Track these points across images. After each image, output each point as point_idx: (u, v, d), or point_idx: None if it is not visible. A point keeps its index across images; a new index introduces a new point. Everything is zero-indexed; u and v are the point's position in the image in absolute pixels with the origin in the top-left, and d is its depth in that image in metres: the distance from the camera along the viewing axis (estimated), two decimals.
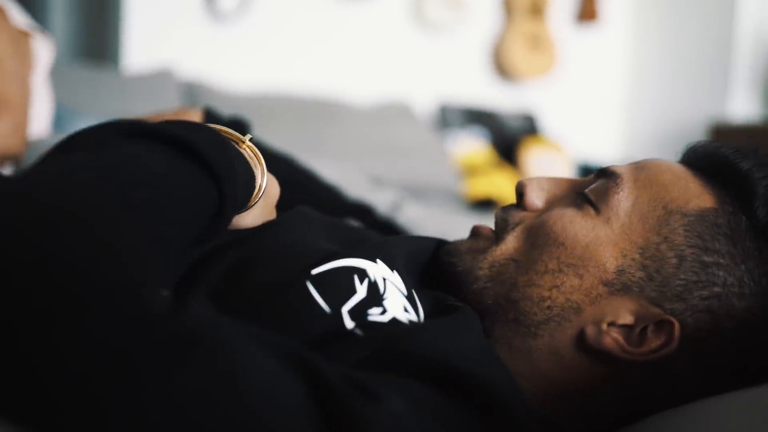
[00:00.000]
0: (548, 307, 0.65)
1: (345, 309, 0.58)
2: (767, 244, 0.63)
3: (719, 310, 0.62)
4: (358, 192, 1.18)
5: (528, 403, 0.61)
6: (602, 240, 0.65)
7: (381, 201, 1.28)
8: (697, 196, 0.66)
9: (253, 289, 0.59)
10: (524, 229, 0.69)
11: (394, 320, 0.59)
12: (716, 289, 0.62)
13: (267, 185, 0.65)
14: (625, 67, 3.85)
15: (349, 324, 0.57)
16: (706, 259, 0.63)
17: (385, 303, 0.61)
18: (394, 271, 0.65)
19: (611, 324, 0.63)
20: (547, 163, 2.94)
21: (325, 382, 0.43)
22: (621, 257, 0.65)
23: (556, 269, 0.65)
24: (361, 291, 0.60)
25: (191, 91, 2.39)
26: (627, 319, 0.63)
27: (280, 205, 0.72)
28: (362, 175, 1.45)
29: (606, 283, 0.64)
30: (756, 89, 3.41)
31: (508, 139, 3.11)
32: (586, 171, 3.06)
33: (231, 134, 0.63)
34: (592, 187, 0.69)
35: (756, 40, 3.39)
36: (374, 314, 0.59)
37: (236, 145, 0.62)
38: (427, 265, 0.75)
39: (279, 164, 0.97)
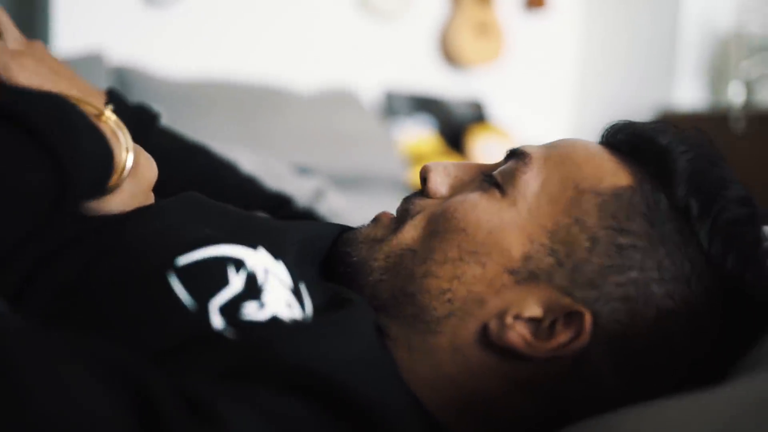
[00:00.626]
0: (448, 300, 0.59)
1: (214, 304, 0.50)
2: (688, 225, 0.58)
3: (637, 298, 0.56)
4: (280, 181, 1.10)
5: (419, 416, 0.55)
6: (507, 224, 0.60)
7: (304, 190, 1.21)
8: (611, 173, 0.61)
9: (110, 283, 0.51)
10: (424, 217, 0.64)
11: (274, 318, 0.52)
12: (633, 274, 0.57)
13: (139, 165, 0.57)
14: (574, 54, 3.84)
15: (218, 323, 0.49)
16: (622, 241, 0.58)
17: (264, 297, 0.53)
18: (279, 260, 0.57)
19: (517, 317, 0.57)
20: (495, 150, 2.91)
21: (153, 403, 0.36)
22: (528, 242, 0.59)
23: (456, 258, 0.60)
24: (236, 283, 0.52)
25: (122, 76, 2.28)
26: (534, 311, 0.57)
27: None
28: (286, 163, 1.37)
29: (511, 272, 0.59)
30: (702, 77, 3.43)
31: (456, 126, 3.07)
32: None
33: (87, 104, 0.55)
34: (500, 169, 0.64)
35: (701, 29, 3.41)
36: (250, 311, 0.51)
37: (92, 119, 0.53)
38: (329, 253, 0.68)
39: (192, 155, 0.90)
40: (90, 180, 0.51)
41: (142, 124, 0.83)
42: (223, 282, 0.52)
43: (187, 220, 0.60)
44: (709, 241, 0.58)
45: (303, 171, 1.33)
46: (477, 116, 3.20)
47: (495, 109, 3.37)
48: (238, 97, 2.44)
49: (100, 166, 0.52)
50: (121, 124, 0.56)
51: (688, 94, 3.36)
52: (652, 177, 0.60)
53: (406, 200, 0.68)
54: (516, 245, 0.59)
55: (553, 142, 0.66)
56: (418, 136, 2.91)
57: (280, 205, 0.97)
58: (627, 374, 0.57)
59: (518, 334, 0.57)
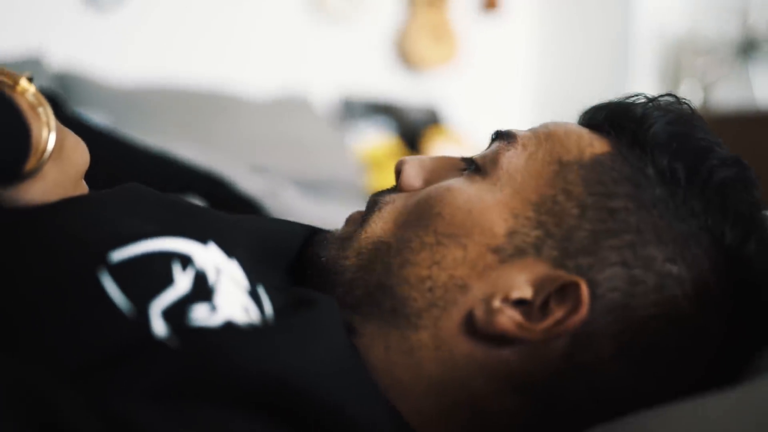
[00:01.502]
0: (429, 289, 0.54)
1: (155, 308, 0.42)
2: (678, 190, 0.53)
3: (635, 262, 0.51)
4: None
5: (394, 425, 0.50)
6: (488, 203, 0.56)
7: (256, 187, 1.13)
8: (591, 144, 0.58)
9: (27, 286, 0.43)
10: (395, 208, 0.60)
11: (228, 324, 0.44)
12: (628, 236, 0.52)
13: (64, 147, 0.48)
14: (529, 57, 3.86)
15: (160, 329, 0.42)
16: (612, 204, 0.54)
17: (216, 299, 0.45)
18: (233, 259, 0.49)
19: (505, 300, 0.52)
20: (453, 154, 2.87)
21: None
22: (512, 218, 0.55)
23: (433, 242, 0.56)
24: (182, 282, 0.44)
25: (64, 81, 2.18)
26: (523, 291, 0.52)
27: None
28: (240, 162, 1.30)
29: (495, 250, 0.54)
30: (656, 78, 3.46)
31: (412, 130, 3.04)
32: None
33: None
34: (481, 152, 0.62)
35: (654, 30, 3.44)
36: (200, 315, 0.44)
37: (4, 89, 0.44)
38: (299, 256, 0.62)
39: (95, 137, 0.79)
40: (1, 162, 0.43)
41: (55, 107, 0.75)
42: (167, 281, 0.44)
43: (125, 212, 0.52)
44: (704, 209, 0.53)
45: (259, 170, 1.26)
46: (433, 119, 3.17)
47: (452, 112, 3.34)
48: (186, 103, 2.36)
49: (14, 146, 0.44)
50: (42, 98, 0.46)
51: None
52: (632, 143, 0.57)
53: (376, 194, 0.63)
54: (499, 222, 0.55)
55: (538, 125, 0.63)
56: (375, 140, 2.87)
57: (209, 186, 0.89)
58: (633, 358, 0.52)
59: (508, 317, 0.51)
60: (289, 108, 2.63)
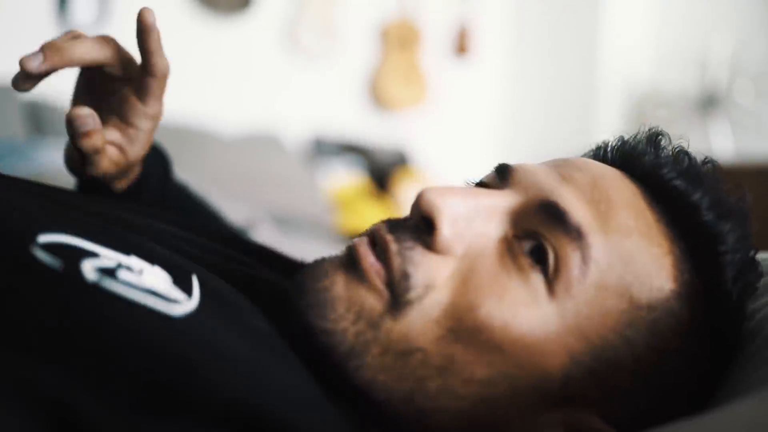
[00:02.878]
0: (469, 425, 0.48)
1: (85, 264, 0.41)
2: (721, 329, 0.53)
3: (659, 412, 0.50)
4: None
5: None
6: (551, 340, 0.48)
7: (238, 215, 1.14)
8: (659, 269, 0.51)
9: None
10: (440, 305, 0.49)
11: (151, 291, 0.43)
12: (664, 393, 0.51)
13: None
14: (498, 102, 3.91)
15: (91, 275, 0.41)
16: (664, 363, 0.50)
17: (141, 273, 0.44)
18: (155, 266, 0.47)
19: None
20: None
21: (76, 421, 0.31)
22: (569, 361, 0.48)
23: (485, 379, 0.48)
24: (108, 261, 0.44)
25: (35, 111, 2.17)
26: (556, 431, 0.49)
27: None
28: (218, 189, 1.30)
29: (544, 397, 0.49)
30: (619, 130, 3.51)
31: (382, 170, 3.05)
32: None
33: None
34: (547, 245, 0.50)
35: (618, 84, 3.54)
36: (126, 275, 0.43)
37: None
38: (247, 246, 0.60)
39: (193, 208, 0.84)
40: None
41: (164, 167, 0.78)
42: (93, 254, 0.44)
43: (32, 202, 0.52)
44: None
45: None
46: (403, 160, 3.19)
47: (420, 154, 3.37)
48: (157, 136, 2.33)
49: None
50: None
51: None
52: (692, 257, 0.52)
53: (401, 244, 0.51)
54: (556, 366, 0.48)
55: (599, 200, 0.52)
56: (345, 180, 2.87)
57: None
58: None
59: None
60: (259, 145, 2.63)
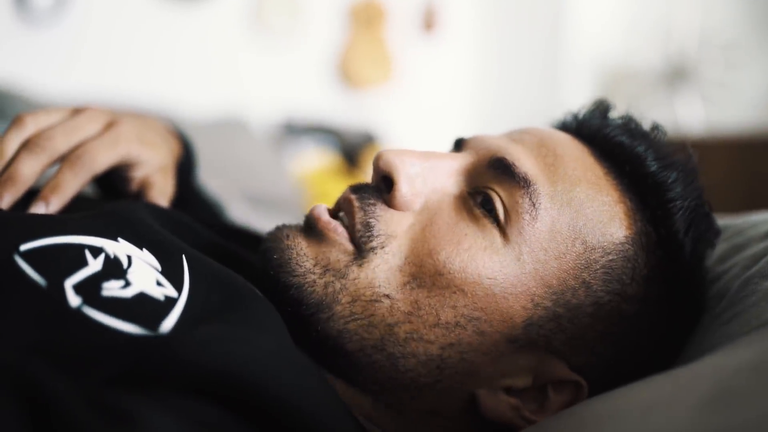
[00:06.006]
0: (438, 367, 0.51)
1: (68, 283, 0.42)
2: (674, 262, 0.54)
3: (628, 362, 0.53)
4: None
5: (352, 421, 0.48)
6: (511, 283, 0.51)
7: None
8: (614, 218, 0.53)
9: None
10: (401, 253, 0.53)
11: (142, 294, 0.44)
12: (629, 341, 0.53)
13: None
14: (466, 78, 3.91)
15: (74, 300, 0.41)
16: (624, 308, 0.53)
17: (129, 276, 0.45)
18: (144, 249, 0.48)
19: (508, 389, 0.52)
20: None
21: (51, 408, 0.31)
22: (531, 306, 0.51)
23: (452, 322, 0.51)
24: (94, 264, 0.44)
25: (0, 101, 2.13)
26: (525, 380, 0.52)
27: None
28: None
29: (510, 340, 0.51)
30: (586, 100, 3.52)
31: (352, 149, 3.04)
32: None
33: None
34: (500, 196, 0.53)
35: (585, 57, 3.54)
36: (111, 288, 0.43)
37: None
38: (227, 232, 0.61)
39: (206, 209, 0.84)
40: None
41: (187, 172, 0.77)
42: (79, 263, 0.44)
43: (26, 214, 0.53)
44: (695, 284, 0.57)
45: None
46: (372, 139, 3.18)
47: (389, 132, 3.36)
48: None
49: None
50: None
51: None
52: (644, 208, 0.55)
53: (362, 201, 0.55)
54: (518, 309, 0.51)
55: (547, 152, 0.56)
56: (315, 160, 2.86)
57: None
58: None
59: (510, 406, 0.52)
60: (226, 129, 2.61)
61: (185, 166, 0.76)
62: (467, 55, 3.90)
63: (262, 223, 1.23)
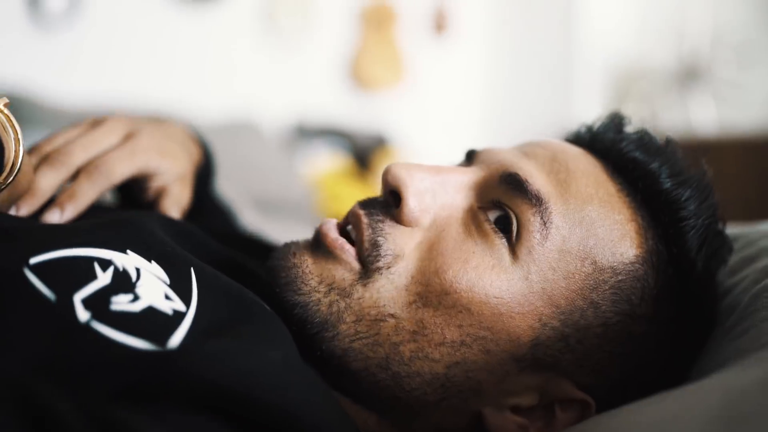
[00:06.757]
0: (443, 386, 0.51)
1: (78, 297, 0.42)
2: (689, 297, 0.54)
3: (635, 381, 0.53)
4: None
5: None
6: (518, 302, 0.50)
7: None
8: (625, 238, 0.53)
9: None
10: (407, 272, 0.52)
11: (150, 309, 0.44)
12: (638, 360, 0.53)
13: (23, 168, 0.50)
14: (478, 79, 3.91)
15: (83, 315, 0.41)
16: (633, 328, 0.52)
17: (138, 290, 0.45)
18: (152, 262, 0.49)
19: (514, 408, 0.51)
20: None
21: (58, 426, 0.32)
22: (539, 325, 0.51)
23: (457, 341, 0.50)
24: (104, 278, 0.44)
25: (14, 105, 2.13)
26: (532, 398, 0.51)
27: None
28: None
29: (517, 359, 0.51)
30: (599, 103, 3.52)
31: (363, 152, 3.04)
32: None
33: None
34: (501, 212, 0.53)
35: (598, 58, 3.53)
36: (120, 302, 0.43)
37: None
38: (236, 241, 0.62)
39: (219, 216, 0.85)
40: None
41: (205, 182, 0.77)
42: (88, 277, 0.44)
43: (36, 224, 0.54)
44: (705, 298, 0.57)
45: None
46: (383, 142, 3.18)
47: (400, 134, 3.36)
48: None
49: None
50: (12, 118, 0.50)
51: (587, 112, 3.44)
52: (656, 226, 0.55)
53: (371, 218, 0.54)
54: (525, 329, 0.50)
55: (558, 171, 0.55)
56: (327, 163, 2.86)
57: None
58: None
59: (517, 425, 0.51)
60: (238, 131, 2.61)
61: (204, 173, 0.76)
62: (478, 57, 3.90)
63: (274, 229, 1.24)
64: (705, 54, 3.41)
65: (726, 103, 3.39)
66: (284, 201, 2.43)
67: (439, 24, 3.59)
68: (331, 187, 2.71)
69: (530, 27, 3.77)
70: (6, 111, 0.49)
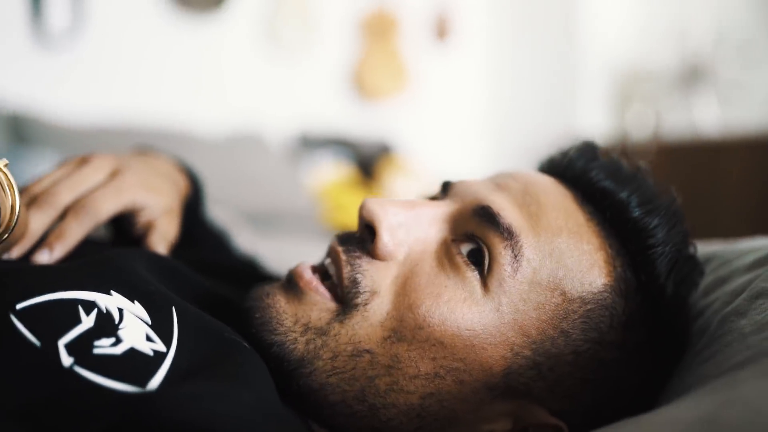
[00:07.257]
0: (418, 416, 0.52)
1: (62, 342, 0.44)
2: (659, 322, 0.56)
3: (608, 406, 0.54)
4: None
5: None
6: (490, 333, 0.52)
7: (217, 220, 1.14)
8: (594, 267, 0.54)
9: None
10: (383, 308, 0.54)
11: (132, 350, 0.46)
12: (610, 385, 0.54)
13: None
14: (480, 86, 3.91)
15: (66, 361, 0.43)
16: (603, 355, 0.54)
17: (120, 333, 0.47)
18: (135, 302, 0.50)
19: None
20: (406, 185, 2.90)
21: None
22: (511, 355, 0.52)
23: (431, 373, 0.52)
24: (87, 321, 0.46)
25: (18, 123, 2.16)
26: (505, 425, 0.53)
27: None
28: None
29: (490, 388, 0.52)
30: (603, 107, 3.51)
31: (368, 161, 3.05)
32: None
33: None
34: (474, 245, 0.54)
35: (601, 61, 3.53)
36: (103, 346, 0.45)
37: None
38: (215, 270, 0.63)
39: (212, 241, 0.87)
40: None
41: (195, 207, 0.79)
42: (73, 321, 0.46)
43: (24, 266, 0.55)
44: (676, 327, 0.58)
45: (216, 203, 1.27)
46: (387, 150, 3.19)
47: (404, 142, 3.37)
48: (139, 141, 2.33)
49: None
50: (9, 176, 0.51)
51: (592, 120, 3.44)
52: (625, 254, 0.56)
53: (348, 254, 0.56)
54: (497, 359, 0.52)
55: (528, 202, 0.56)
56: (332, 173, 2.87)
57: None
58: None
59: None
60: (242, 145, 2.63)
61: (193, 202, 0.78)
62: (481, 62, 3.90)
63: (272, 247, 1.25)
64: (708, 54, 3.40)
65: (729, 104, 3.38)
66: (289, 212, 2.45)
67: (441, 30, 3.60)
68: (335, 197, 2.72)
69: (532, 30, 3.77)
70: (5, 170, 0.50)
